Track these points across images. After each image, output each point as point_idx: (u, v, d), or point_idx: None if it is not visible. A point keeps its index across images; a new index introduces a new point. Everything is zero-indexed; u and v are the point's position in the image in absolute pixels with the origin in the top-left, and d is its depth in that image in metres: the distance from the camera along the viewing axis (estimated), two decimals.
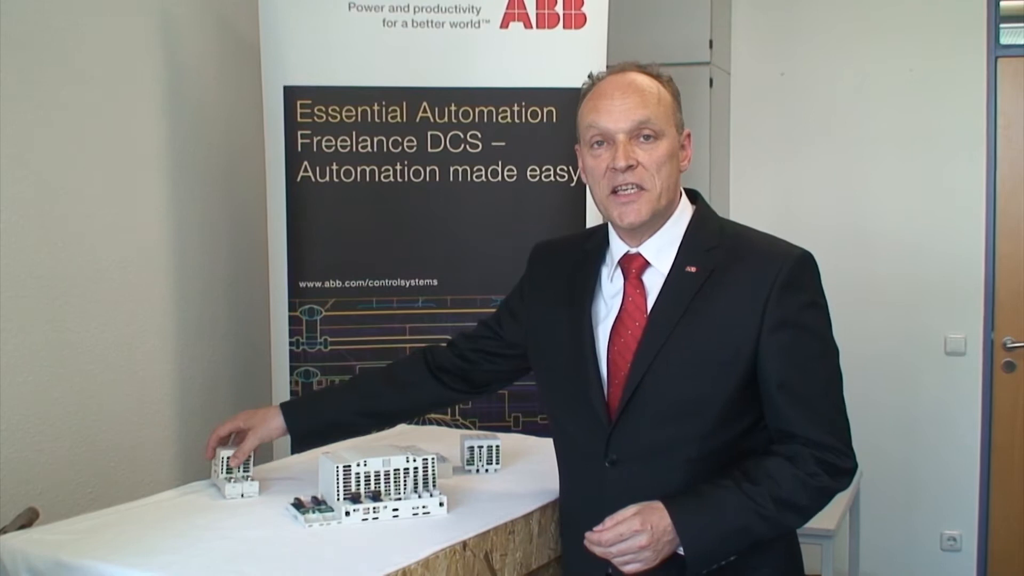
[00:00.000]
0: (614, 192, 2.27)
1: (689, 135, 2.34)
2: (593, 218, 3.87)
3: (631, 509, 2.17)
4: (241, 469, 2.53)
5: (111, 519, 2.37)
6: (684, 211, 2.34)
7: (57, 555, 2.12)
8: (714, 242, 2.29)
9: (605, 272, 2.38)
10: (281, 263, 3.82)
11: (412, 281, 3.87)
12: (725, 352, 2.22)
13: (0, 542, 2.20)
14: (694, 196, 2.40)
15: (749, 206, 5.53)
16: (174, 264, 3.82)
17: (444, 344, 2.69)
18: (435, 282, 3.87)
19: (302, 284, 3.82)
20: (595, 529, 2.17)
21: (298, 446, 2.68)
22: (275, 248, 3.84)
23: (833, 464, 2.22)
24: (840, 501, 4.17)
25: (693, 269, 2.26)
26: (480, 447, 2.75)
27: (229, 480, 2.49)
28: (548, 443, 3.09)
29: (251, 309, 4.16)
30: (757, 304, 2.20)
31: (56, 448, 3.30)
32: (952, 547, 5.17)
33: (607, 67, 2.38)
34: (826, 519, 3.93)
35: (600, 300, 2.36)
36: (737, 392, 2.23)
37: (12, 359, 3.16)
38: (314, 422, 2.62)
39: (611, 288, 2.35)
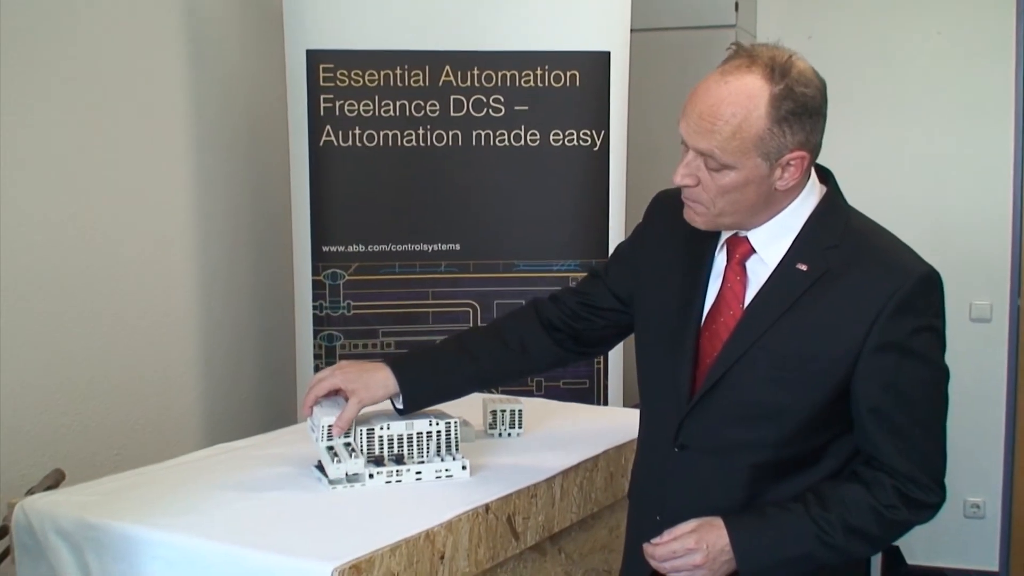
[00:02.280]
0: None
1: (803, 157, 2.06)
2: (616, 184, 3.87)
3: (689, 525, 2.11)
4: (343, 438, 2.36)
5: (137, 480, 2.39)
6: (808, 199, 2.14)
7: (83, 516, 2.15)
8: (834, 240, 2.10)
9: (717, 247, 2.21)
10: (304, 227, 3.83)
11: (435, 246, 3.88)
12: (819, 363, 2.07)
13: (27, 504, 2.23)
14: (825, 175, 2.20)
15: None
16: (198, 229, 3.84)
17: (550, 299, 2.54)
18: (457, 247, 3.88)
19: (325, 248, 3.83)
20: (652, 541, 2.12)
21: (406, 407, 2.44)
22: (298, 213, 3.85)
23: (916, 499, 2.09)
24: None
25: (804, 267, 2.09)
26: (503, 411, 2.77)
27: (333, 457, 2.31)
28: (571, 408, 3.11)
29: (275, 273, 4.18)
30: (865, 320, 2.04)
31: (81, 411, 3.33)
32: (975, 514, 5.17)
33: (732, 46, 2.11)
34: None
35: (710, 277, 2.22)
36: (823, 407, 2.09)
37: (37, 323, 3.19)
38: (426, 386, 2.45)
39: (717, 265, 2.20)
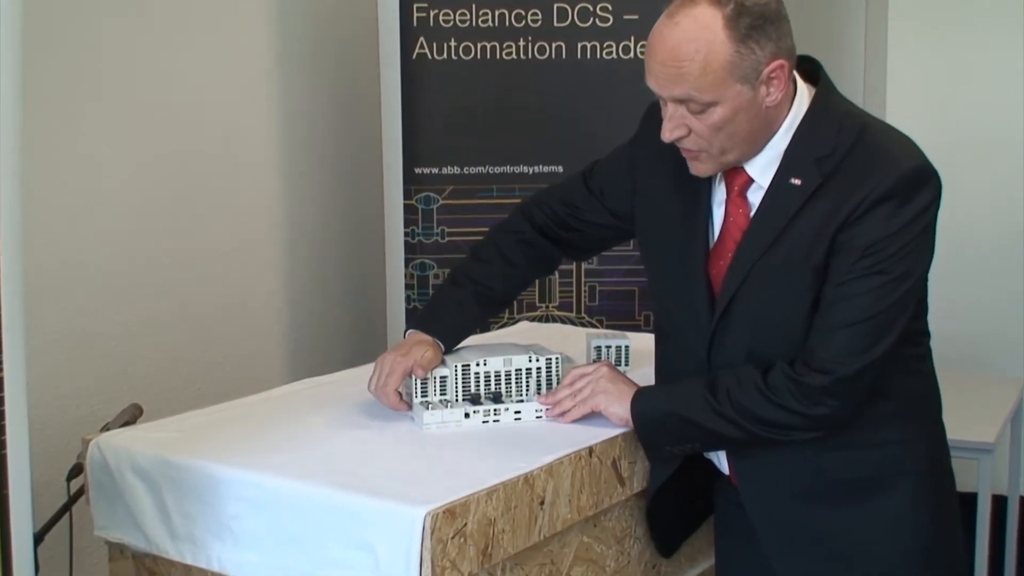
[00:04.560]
0: None
1: (781, 66, 2.11)
2: None
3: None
4: (437, 391, 2.40)
5: (219, 417, 2.42)
6: (797, 113, 2.20)
7: (163, 454, 2.18)
8: (827, 149, 2.16)
9: (716, 179, 2.29)
10: (395, 148, 3.83)
11: (535, 168, 3.86)
12: (803, 278, 2.17)
13: (102, 440, 2.27)
14: (815, 73, 2.24)
15: (907, 92, 5.34)
16: (281, 152, 3.86)
17: (534, 205, 2.62)
18: (560, 168, 3.85)
19: (417, 170, 3.83)
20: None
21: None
22: (389, 132, 3.84)
23: (803, 383, 2.15)
24: (999, 411, 4.09)
25: (797, 182, 2.17)
26: (608, 347, 2.75)
27: (427, 406, 2.34)
28: None
29: (363, 198, 4.18)
30: (838, 220, 2.12)
31: (160, 343, 3.38)
32: None
33: None
34: (983, 431, 3.85)
35: (711, 208, 2.30)
36: (812, 320, 2.19)
37: (115, 251, 3.23)
38: (458, 341, 2.54)
39: (718, 196, 2.29)
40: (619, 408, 2.32)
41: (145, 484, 2.19)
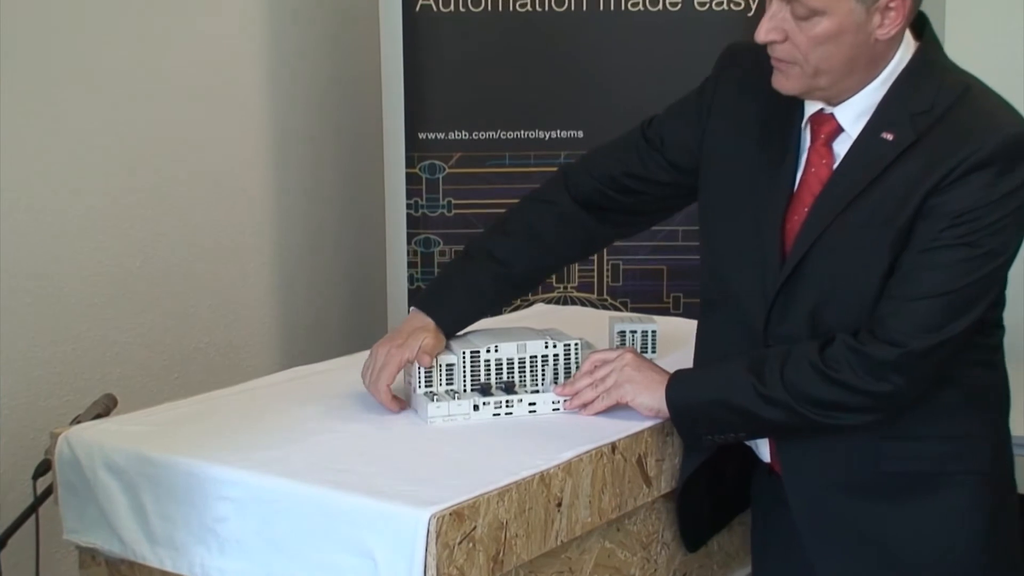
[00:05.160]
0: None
1: (903, 1, 2.12)
2: None
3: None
4: (443, 381, 2.40)
5: (201, 408, 2.43)
6: (898, 64, 2.20)
7: (140, 449, 2.19)
8: (925, 105, 2.15)
9: (802, 125, 2.29)
10: (397, 111, 3.84)
11: (552, 133, 3.86)
12: (885, 238, 2.15)
13: (72, 434, 2.27)
14: (921, 28, 2.24)
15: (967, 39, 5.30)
16: (271, 114, 3.86)
17: (581, 170, 2.58)
18: (580, 134, 3.85)
19: (422, 136, 3.84)
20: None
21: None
22: (390, 92, 3.85)
23: (865, 353, 2.15)
24: None
25: (889, 136, 2.16)
26: (633, 332, 2.75)
27: (432, 397, 2.35)
28: None
29: (361, 166, 4.19)
30: (929, 183, 2.11)
31: (135, 326, 3.40)
32: None
33: None
34: None
35: (796, 156, 2.29)
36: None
37: (85, 224, 3.24)
38: (462, 326, 2.51)
39: (801, 145, 2.29)
40: (649, 398, 2.32)
41: (120, 483, 2.19)
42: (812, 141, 2.26)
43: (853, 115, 2.21)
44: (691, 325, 2.92)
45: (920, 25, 2.23)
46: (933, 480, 2.25)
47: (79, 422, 2.37)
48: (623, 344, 2.74)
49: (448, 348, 2.42)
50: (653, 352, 2.73)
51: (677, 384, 2.31)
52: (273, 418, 2.35)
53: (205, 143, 3.62)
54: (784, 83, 2.20)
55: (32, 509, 2.38)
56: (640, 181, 2.52)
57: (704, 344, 2.46)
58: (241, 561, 2.07)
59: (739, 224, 2.34)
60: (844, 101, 2.21)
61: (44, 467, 2.33)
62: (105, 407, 2.48)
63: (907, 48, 2.21)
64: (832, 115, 2.23)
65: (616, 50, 3.84)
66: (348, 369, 2.68)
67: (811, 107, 2.26)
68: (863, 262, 2.18)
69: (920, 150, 2.14)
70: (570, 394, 2.38)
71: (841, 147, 2.23)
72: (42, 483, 2.35)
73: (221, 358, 3.66)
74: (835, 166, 2.22)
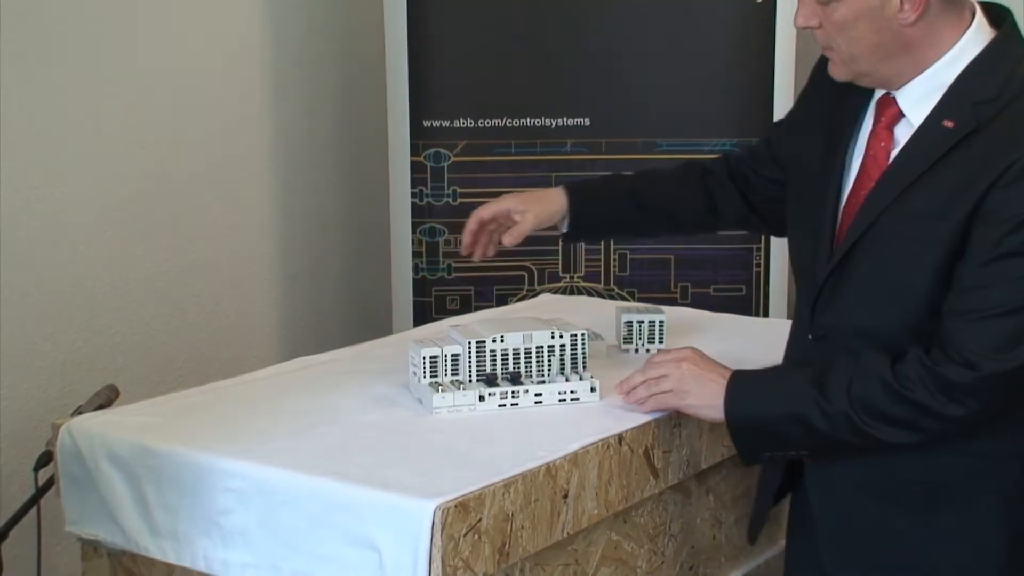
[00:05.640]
0: None
1: None
2: (784, 44, 3.80)
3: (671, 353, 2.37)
4: (448, 371, 2.39)
5: (204, 399, 2.44)
6: (968, 47, 2.16)
7: (141, 440, 2.19)
8: (990, 93, 2.12)
9: (868, 110, 2.30)
10: (401, 98, 3.83)
11: (560, 120, 3.86)
12: (937, 232, 2.11)
13: (74, 425, 2.28)
14: (1000, 15, 2.20)
15: None
16: (272, 100, 3.86)
17: (712, 160, 2.71)
18: (587, 122, 3.85)
19: (426, 123, 3.83)
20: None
21: (570, 231, 2.68)
22: (394, 79, 3.84)
23: (939, 374, 2.08)
24: None
25: (950, 124, 2.13)
26: (640, 322, 2.76)
27: (437, 387, 2.35)
28: (722, 319, 3.09)
29: (364, 154, 4.19)
30: (990, 176, 2.06)
31: (137, 317, 3.40)
32: None
33: None
34: None
35: (856, 143, 2.31)
36: (938, 283, 2.13)
37: (85, 214, 3.25)
38: (596, 205, 2.67)
39: (863, 131, 2.29)
40: (710, 411, 2.28)
41: (122, 474, 2.20)
42: (873, 125, 2.26)
43: (913, 100, 2.19)
44: (698, 315, 2.93)
45: (1000, 17, 2.21)
46: (953, 494, 2.21)
47: (81, 413, 2.37)
48: (631, 334, 2.74)
49: (452, 338, 2.42)
50: (660, 342, 2.74)
51: (737, 397, 2.25)
52: (277, 409, 2.36)
53: (205, 132, 3.62)
54: (833, 69, 2.24)
55: (33, 501, 2.38)
56: (757, 175, 2.61)
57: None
58: (244, 553, 2.08)
59: (803, 211, 2.36)
60: (903, 85, 2.20)
61: (45, 458, 2.34)
62: (107, 398, 2.49)
63: (978, 36, 2.17)
64: (894, 98, 2.22)
65: (624, 36, 3.83)
66: (352, 359, 2.69)
67: (879, 91, 2.26)
68: (913, 257, 2.14)
69: (981, 140, 2.10)
70: (625, 391, 2.36)
71: (902, 133, 2.22)
72: (43, 475, 2.36)
73: (224, 349, 3.67)
74: (895, 153, 2.22)
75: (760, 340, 2.83)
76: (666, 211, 2.69)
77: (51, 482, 2.34)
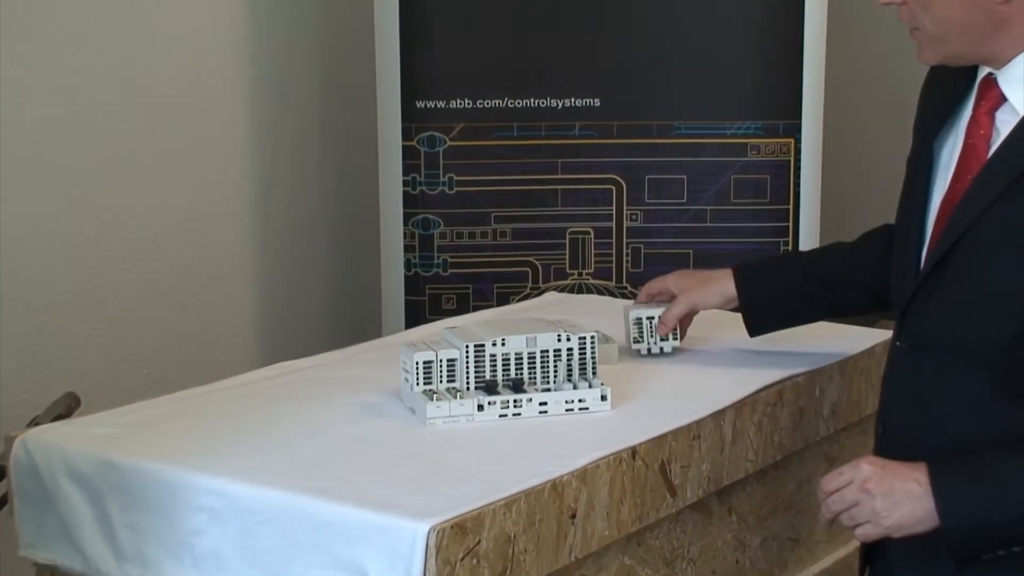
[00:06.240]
0: None
1: None
2: (814, 13, 3.79)
3: (866, 467, 2.17)
4: (443, 378, 2.40)
5: (174, 409, 2.44)
6: None
7: (105, 454, 2.19)
8: None
9: (971, 95, 2.26)
10: (392, 76, 3.84)
11: (567, 101, 3.86)
12: None
13: (30, 438, 2.28)
14: None
15: None
16: (251, 81, 3.87)
17: None
18: (597, 102, 3.86)
19: (420, 104, 3.84)
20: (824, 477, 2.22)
21: (751, 323, 2.71)
22: (384, 56, 3.84)
23: None
24: None
25: None
26: (651, 319, 2.76)
27: (431, 396, 2.35)
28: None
29: (352, 138, 4.19)
30: None
31: (100, 318, 3.40)
32: None
33: None
34: None
35: (953, 131, 2.29)
36: None
37: (47, 202, 3.25)
38: (770, 286, 2.69)
39: (962, 118, 2.27)
40: (921, 527, 2.14)
41: (83, 492, 2.20)
42: (973, 108, 2.23)
43: (1016, 82, 2.17)
44: (721, 313, 2.93)
45: None
46: None
47: (37, 424, 2.38)
48: (641, 333, 2.74)
49: (448, 341, 2.42)
50: (675, 340, 2.74)
51: (953, 507, 2.11)
52: (255, 419, 2.36)
53: (176, 112, 3.63)
54: (920, 52, 2.22)
55: None
56: None
57: None
58: None
59: (902, 210, 2.35)
60: (1005, 65, 2.17)
61: None
62: (67, 407, 2.49)
63: None
64: (995, 80, 2.19)
65: (640, 7, 3.84)
66: (338, 365, 2.70)
67: (982, 70, 2.23)
68: (1020, 263, 2.11)
69: None
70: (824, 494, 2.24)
71: (1005, 122, 2.18)
72: None
73: (196, 353, 3.67)
74: (992, 141, 2.19)
75: (790, 337, 2.84)
76: (850, 278, 2.65)
77: (4, 500, 2.34)
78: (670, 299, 2.74)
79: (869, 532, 2.17)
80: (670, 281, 2.76)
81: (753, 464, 2.56)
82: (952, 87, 2.28)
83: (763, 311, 2.68)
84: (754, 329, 2.71)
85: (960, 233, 2.15)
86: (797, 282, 2.67)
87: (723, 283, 2.68)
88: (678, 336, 2.75)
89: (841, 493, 2.19)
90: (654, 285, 2.79)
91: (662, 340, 2.75)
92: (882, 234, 2.60)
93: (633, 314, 2.76)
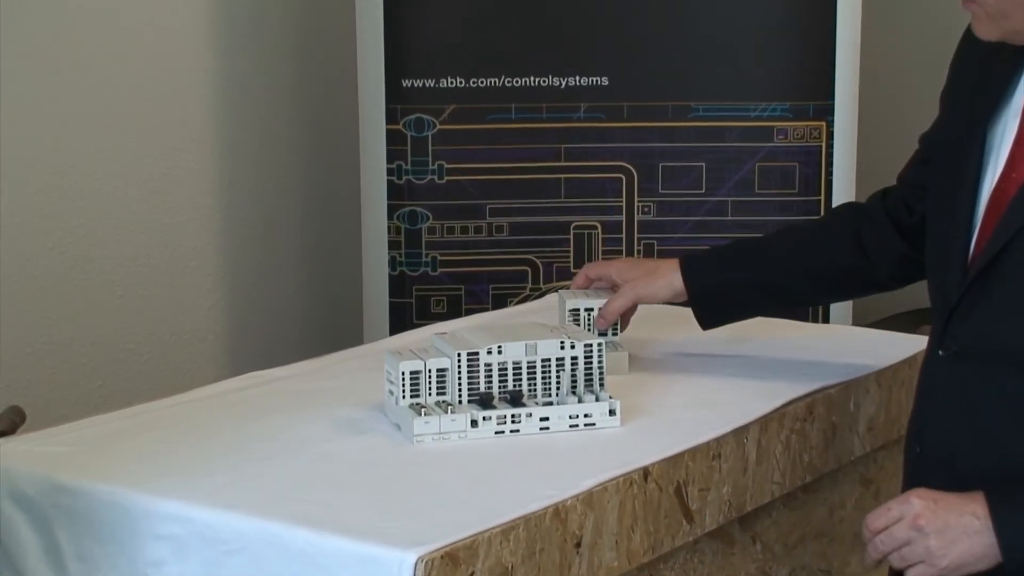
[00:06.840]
0: None
1: None
2: None
3: (917, 503, 2.16)
4: (432, 390, 2.39)
5: (131, 424, 2.43)
6: None
7: (53, 475, 2.19)
8: None
9: (1021, 78, 2.27)
10: (375, 52, 3.84)
11: (570, 79, 3.87)
12: None
13: None
14: None
15: None
16: (217, 57, 3.87)
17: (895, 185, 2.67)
18: (604, 80, 3.86)
19: (406, 83, 3.84)
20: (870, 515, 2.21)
21: (702, 316, 2.73)
22: (366, 30, 3.85)
23: None
24: None
25: None
26: (589, 311, 2.75)
27: (419, 410, 2.34)
28: (776, 324, 3.10)
29: (331, 121, 4.20)
30: None
31: (50, 322, 3.40)
32: None
33: None
34: None
35: (1003, 115, 2.28)
36: None
37: None
38: (714, 280, 2.70)
39: (1016, 102, 2.26)
40: (982, 564, 2.14)
41: (29, 517, 2.20)
42: None
43: None
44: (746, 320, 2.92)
45: None
46: None
47: None
48: (590, 326, 2.73)
49: (438, 349, 2.42)
50: (614, 335, 2.73)
51: (1016, 535, 2.11)
52: (222, 437, 2.36)
53: (130, 92, 3.62)
54: (977, 26, 2.20)
55: None
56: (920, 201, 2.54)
57: None
58: None
59: (938, 203, 2.36)
60: None
61: None
62: (10, 423, 2.49)
63: None
64: None
65: None
66: (315, 375, 2.70)
67: None
68: None
69: None
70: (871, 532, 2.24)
71: None
72: None
73: (156, 361, 3.68)
74: None
75: (823, 346, 2.89)
76: (802, 267, 2.69)
77: None
78: (611, 288, 2.75)
79: (923, 573, 2.15)
80: (613, 269, 2.78)
81: (780, 487, 2.56)
82: (1001, 64, 2.27)
83: (712, 306, 2.71)
84: (706, 324, 2.74)
85: (1008, 238, 2.16)
86: (747, 274, 2.69)
87: (670, 276, 2.69)
88: (618, 331, 2.75)
89: (890, 531, 2.17)
90: (594, 269, 2.82)
91: (600, 335, 2.73)
92: (848, 217, 2.65)
93: (570, 304, 2.75)
